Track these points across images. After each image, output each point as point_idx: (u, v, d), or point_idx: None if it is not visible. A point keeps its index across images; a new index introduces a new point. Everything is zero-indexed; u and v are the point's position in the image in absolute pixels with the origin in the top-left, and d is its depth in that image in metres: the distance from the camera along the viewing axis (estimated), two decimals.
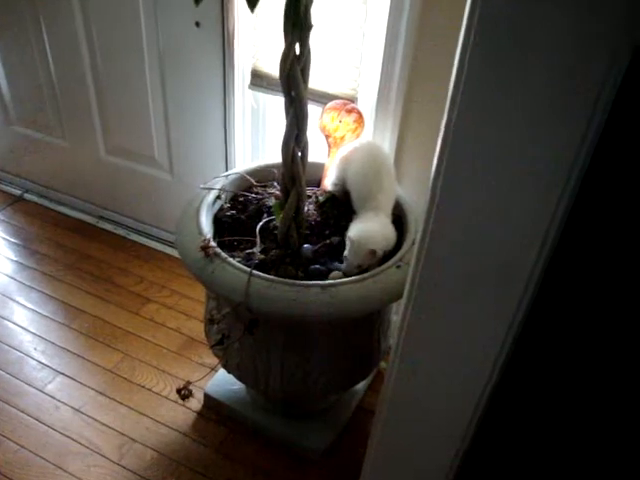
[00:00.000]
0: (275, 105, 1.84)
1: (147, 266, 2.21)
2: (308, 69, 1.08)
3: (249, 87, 1.71)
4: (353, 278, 1.25)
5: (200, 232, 1.33)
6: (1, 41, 2.19)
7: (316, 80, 1.58)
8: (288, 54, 1.02)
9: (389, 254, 1.34)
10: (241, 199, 1.52)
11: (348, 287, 1.23)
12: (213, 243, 1.30)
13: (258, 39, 1.62)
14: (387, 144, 1.62)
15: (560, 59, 0.64)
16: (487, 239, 0.84)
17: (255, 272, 1.23)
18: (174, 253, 2.21)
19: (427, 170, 1.70)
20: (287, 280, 1.23)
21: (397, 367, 1.04)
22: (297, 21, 0.96)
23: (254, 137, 1.90)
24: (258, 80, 1.68)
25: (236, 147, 1.88)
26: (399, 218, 1.45)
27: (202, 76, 1.79)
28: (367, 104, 1.61)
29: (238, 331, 1.30)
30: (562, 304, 0.87)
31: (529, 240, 0.79)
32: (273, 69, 1.64)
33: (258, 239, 1.34)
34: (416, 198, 1.50)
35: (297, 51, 1.03)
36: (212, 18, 1.66)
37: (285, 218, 1.32)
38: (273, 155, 1.82)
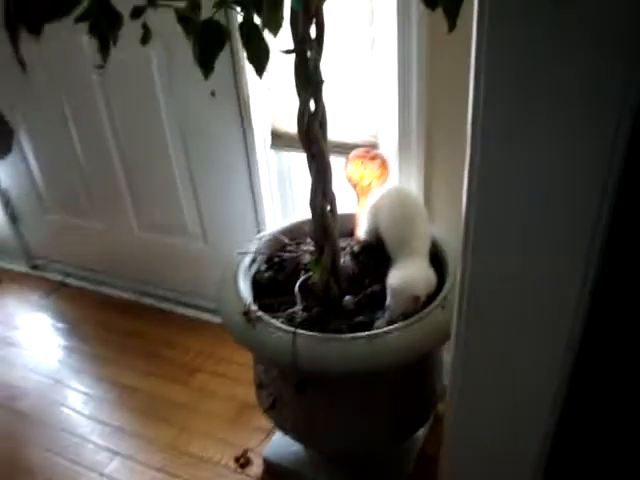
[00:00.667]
0: (299, 161, 1.86)
1: (192, 336, 2.21)
2: (325, 123, 1.09)
3: (271, 147, 1.73)
4: (399, 325, 1.23)
5: (240, 297, 1.33)
6: (34, 135, 2.29)
7: (336, 131, 1.59)
8: (304, 112, 1.03)
9: (432, 296, 1.32)
10: (277, 259, 1.52)
11: (395, 335, 1.21)
12: (254, 307, 1.30)
13: (273, 99, 1.65)
14: (414, 185, 1.62)
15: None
16: (531, 267, 0.80)
17: (299, 331, 1.22)
18: (218, 320, 2.22)
19: (458, 206, 1.68)
20: (332, 335, 1.22)
21: (454, 411, 1.01)
22: (308, 78, 0.97)
23: (282, 195, 1.92)
24: (278, 140, 1.70)
25: (265, 207, 1.91)
26: (436, 257, 1.44)
27: (223, 142, 1.83)
28: (390, 148, 1.61)
29: (288, 393, 1.28)
30: (616, 329, 0.84)
31: (573, 263, 0.76)
32: (291, 127, 1.67)
33: (298, 298, 1.33)
34: (450, 235, 1.49)
35: (312, 107, 1.04)
36: (226, 86, 1.70)
37: (322, 273, 1.32)
38: (303, 211, 1.83)
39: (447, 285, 1.33)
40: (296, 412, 1.33)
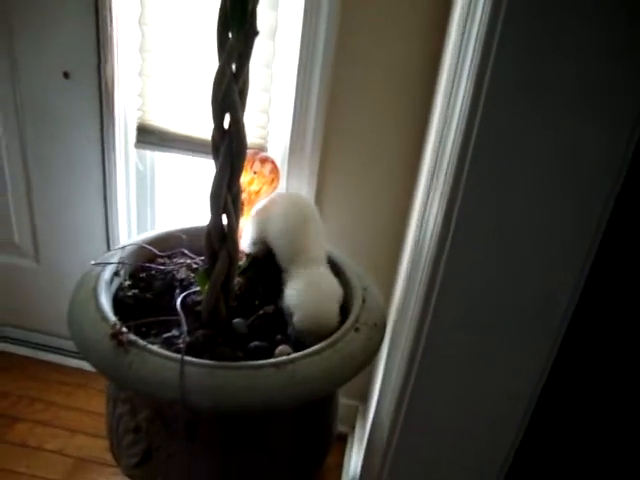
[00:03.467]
0: (165, 167, 1.60)
1: (10, 377, 1.79)
2: (246, 92, 0.87)
3: (135, 146, 1.46)
4: (310, 350, 1.01)
5: (104, 317, 1.04)
6: None
7: None
8: (224, 71, 0.81)
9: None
10: (143, 274, 1.25)
11: (308, 361, 0.99)
12: (125, 329, 1.01)
13: (146, 88, 1.38)
14: (304, 193, 1.43)
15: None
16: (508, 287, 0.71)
17: (187, 358, 0.96)
18: (46, 357, 1.84)
19: (351, 221, 1.51)
20: (231, 363, 0.97)
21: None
22: (242, 19, 0.75)
23: (141, 207, 1.63)
24: (146, 136, 1.43)
25: (120, 220, 1.59)
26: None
27: (74, 137, 1.51)
28: (278, 152, 1.42)
29: (168, 439, 1.01)
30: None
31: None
32: (164, 122, 1.41)
33: (182, 317, 1.06)
34: (342, 251, 1.33)
35: (233, 68, 0.82)
36: (85, 67, 1.40)
37: (213, 288, 1.07)
38: (166, 225, 1.56)
39: (356, 304, 1.15)
40: (173, 465, 1.05)
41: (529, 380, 0.77)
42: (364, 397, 1.65)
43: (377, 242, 1.47)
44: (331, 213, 1.46)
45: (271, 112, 1.38)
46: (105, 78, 1.39)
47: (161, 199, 1.64)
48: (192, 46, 1.33)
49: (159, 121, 1.41)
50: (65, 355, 1.84)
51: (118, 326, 1.00)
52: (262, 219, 1.28)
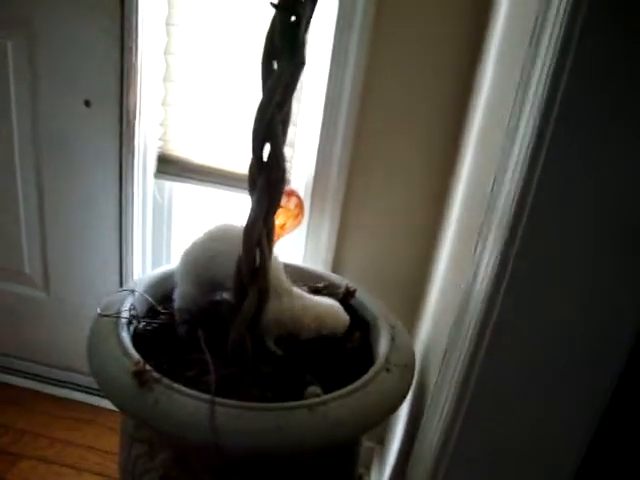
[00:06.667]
0: (183, 199, 1.57)
1: (14, 411, 1.73)
2: (288, 123, 0.85)
3: (155, 176, 1.43)
4: (342, 392, 0.97)
5: (127, 353, 1.00)
6: None
7: (241, 163, 1.35)
8: (270, 101, 0.78)
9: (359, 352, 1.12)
10: (163, 310, 1.21)
11: (339, 403, 0.95)
12: (148, 367, 0.97)
13: (168, 117, 1.37)
14: (326, 229, 1.40)
15: None
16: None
17: (217, 399, 0.92)
18: (52, 391, 1.78)
19: (371, 257, 1.49)
20: (263, 405, 0.93)
21: None
22: (293, 54, 0.73)
23: (156, 239, 1.59)
24: (167, 166, 1.41)
25: (134, 253, 1.56)
26: (351, 309, 1.23)
27: (91, 166, 1.49)
28: (300, 187, 1.40)
29: None
30: None
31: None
32: (187, 152, 1.39)
33: (208, 355, 1.02)
34: (365, 287, 1.30)
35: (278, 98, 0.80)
36: (107, 95, 1.38)
37: (240, 325, 1.03)
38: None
39: (384, 343, 1.12)
40: None
41: (582, 426, 0.74)
42: (381, 439, 1.60)
43: (400, 278, 1.43)
44: (354, 248, 1.44)
45: (296, 145, 1.36)
46: (127, 107, 1.37)
47: (178, 232, 1.61)
48: (217, 76, 1.32)
49: (181, 151, 1.39)
50: (72, 389, 1.79)
51: (141, 364, 0.96)
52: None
